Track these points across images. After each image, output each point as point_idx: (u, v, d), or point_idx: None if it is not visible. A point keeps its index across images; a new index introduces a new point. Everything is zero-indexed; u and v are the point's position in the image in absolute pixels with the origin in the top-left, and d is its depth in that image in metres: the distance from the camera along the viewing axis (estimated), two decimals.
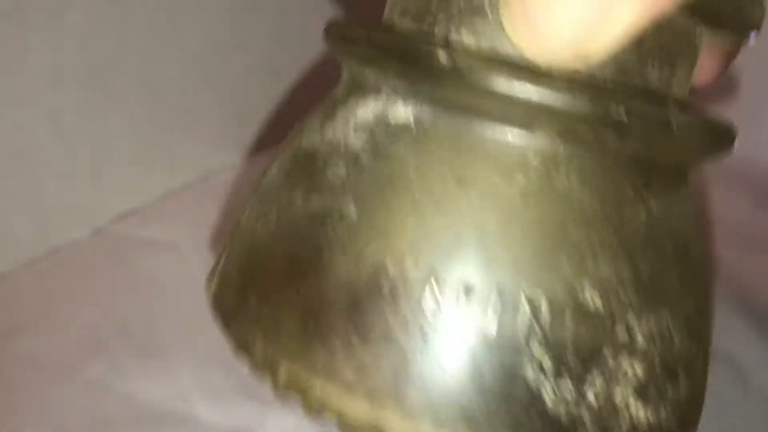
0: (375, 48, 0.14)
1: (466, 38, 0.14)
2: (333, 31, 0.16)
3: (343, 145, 0.14)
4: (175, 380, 0.25)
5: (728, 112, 0.18)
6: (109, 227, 0.33)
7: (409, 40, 0.14)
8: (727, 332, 0.26)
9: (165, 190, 0.35)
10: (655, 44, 0.12)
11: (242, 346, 0.15)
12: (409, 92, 0.14)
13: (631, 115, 0.13)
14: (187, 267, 0.30)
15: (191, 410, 0.23)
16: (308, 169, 0.15)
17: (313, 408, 0.13)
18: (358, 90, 0.15)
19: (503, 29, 0.13)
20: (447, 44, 0.14)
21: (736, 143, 0.15)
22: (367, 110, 0.14)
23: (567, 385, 0.13)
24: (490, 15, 0.13)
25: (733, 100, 0.37)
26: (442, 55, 0.13)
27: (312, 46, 0.40)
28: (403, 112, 0.14)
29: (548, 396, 0.12)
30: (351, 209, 0.14)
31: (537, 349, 0.12)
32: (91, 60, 0.31)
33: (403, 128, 0.14)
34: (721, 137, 0.15)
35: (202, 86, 0.36)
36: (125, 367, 0.25)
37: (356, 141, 0.14)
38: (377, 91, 0.14)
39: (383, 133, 0.14)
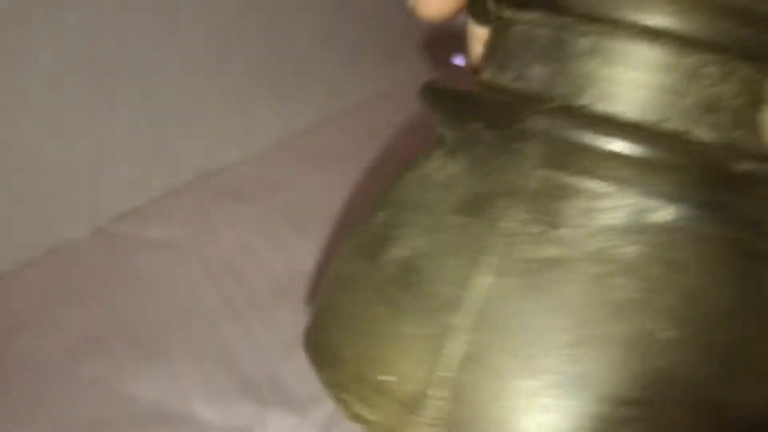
0: (662, 165, 0.13)
1: (708, 134, 0.13)
2: (547, 135, 0.14)
3: (611, 257, 0.13)
4: (174, 380, 0.25)
5: None
6: (109, 227, 0.33)
7: (698, 151, 0.13)
8: None
9: (165, 189, 0.35)
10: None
11: None
12: (680, 196, 0.13)
13: None
14: (187, 266, 0.30)
15: (191, 410, 0.23)
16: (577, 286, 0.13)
17: None
18: (582, 194, 0.14)
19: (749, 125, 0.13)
20: (727, 148, 0.13)
21: None
22: (615, 214, 0.13)
23: None
24: (731, 111, 0.13)
25: None
26: (741, 164, 0.13)
27: (312, 46, 0.40)
28: (665, 214, 0.13)
29: None
30: (669, 332, 0.13)
31: None
32: (91, 60, 0.31)
33: (672, 230, 0.13)
34: None
35: (202, 86, 0.36)
36: (125, 367, 0.25)
37: (628, 251, 0.13)
38: (620, 194, 0.13)
39: (653, 237, 0.13)
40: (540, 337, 0.13)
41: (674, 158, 0.13)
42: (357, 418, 0.14)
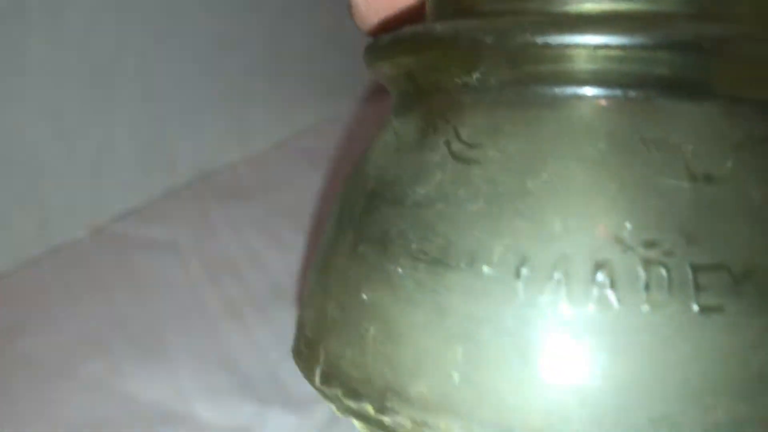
0: None
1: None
2: None
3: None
4: (174, 380, 0.25)
5: None
6: (109, 226, 0.33)
7: None
8: None
9: (165, 189, 0.35)
10: None
11: None
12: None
13: None
14: (187, 266, 0.30)
15: (191, 410, 0.23)
16: None
17: None
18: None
19: None
20: None
21: None
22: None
23: None
24: None
25: None
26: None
27: (312, 45, 0.40)
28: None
29: None
30: None
31: None
32: (91, 59, 0.31)
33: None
34: None
35: (202, 86, 0.36)
36: (125, 367, 0.25)
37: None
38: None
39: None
40: None
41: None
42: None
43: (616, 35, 0.12)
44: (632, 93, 0.12)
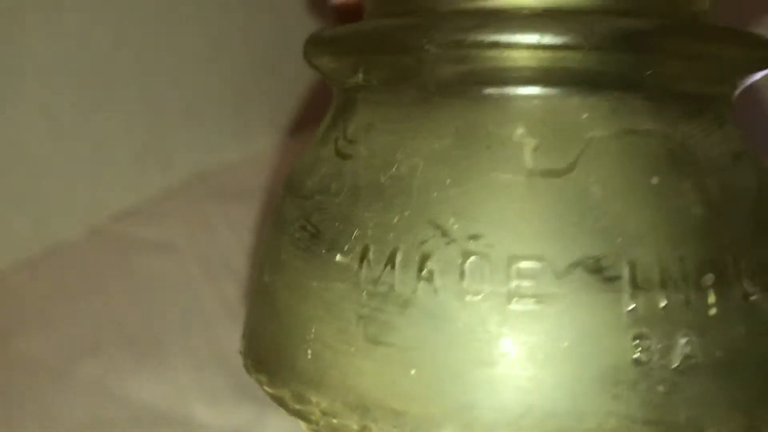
0: None
1: None
2: None
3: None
4: (172, 381, 0.24)
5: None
6: (107, 226, 0.33)
7: None
8: None
9: (163, 189, 0.35)
10: None
11: None
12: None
13: None
14: (185, 267, 0.30)
15: (189, 411, 0.23)
16: None
17: None
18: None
19: None
20: None
21: None
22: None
23: None
24: None
25: None
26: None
27: None
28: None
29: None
30: None
31: None
32: (88, 59, 0.31)
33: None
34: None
35: (200, 85, 0.36)
36: (122, 368, 0.25)
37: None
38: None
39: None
40: None
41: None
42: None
43: (472, 33, 0.12)
44: (489, 90, 0.13)
